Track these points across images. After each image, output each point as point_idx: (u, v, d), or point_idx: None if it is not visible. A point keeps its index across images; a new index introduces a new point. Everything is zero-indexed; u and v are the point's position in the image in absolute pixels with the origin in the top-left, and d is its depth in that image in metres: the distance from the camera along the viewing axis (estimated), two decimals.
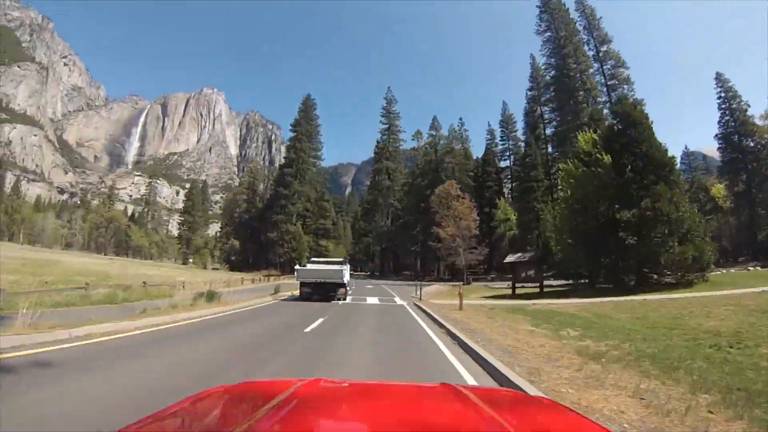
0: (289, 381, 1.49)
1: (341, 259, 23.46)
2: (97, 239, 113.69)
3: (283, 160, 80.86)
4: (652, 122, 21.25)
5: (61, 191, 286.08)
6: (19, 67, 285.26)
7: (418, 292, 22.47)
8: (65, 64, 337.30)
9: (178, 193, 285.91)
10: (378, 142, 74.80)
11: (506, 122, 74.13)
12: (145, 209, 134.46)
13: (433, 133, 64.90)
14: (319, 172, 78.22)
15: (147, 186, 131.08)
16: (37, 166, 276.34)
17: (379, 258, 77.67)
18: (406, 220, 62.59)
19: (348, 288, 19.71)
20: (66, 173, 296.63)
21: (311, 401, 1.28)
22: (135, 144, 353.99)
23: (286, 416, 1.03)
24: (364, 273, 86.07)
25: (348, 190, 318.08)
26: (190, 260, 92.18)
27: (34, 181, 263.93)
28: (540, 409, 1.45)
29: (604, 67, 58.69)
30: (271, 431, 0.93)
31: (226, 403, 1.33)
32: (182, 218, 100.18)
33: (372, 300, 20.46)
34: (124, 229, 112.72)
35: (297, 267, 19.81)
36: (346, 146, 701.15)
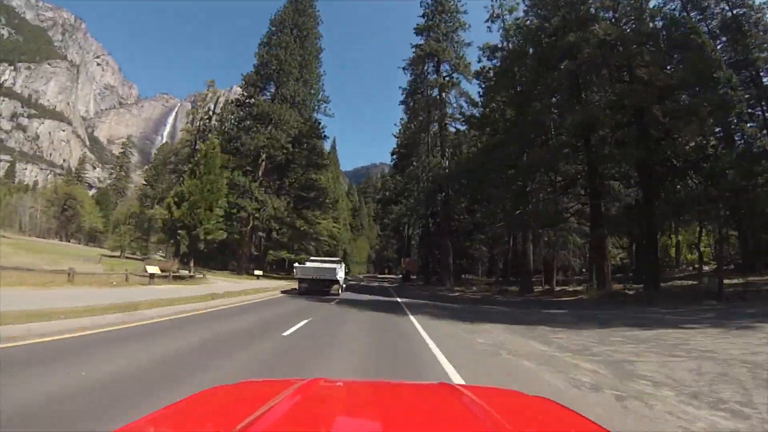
0: (288, 381, 1.44)
1: (337, 259, 24.48)
2: (51, 220, 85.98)
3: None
4: None
5: (90, 186, 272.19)
6: (49, 64, 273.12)
7: None
8: (98, 64, 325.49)
9: None
10: (417, 27, 37.03)
11: None
12: (111, 187, 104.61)
13: None
14: (315, 94, 41.20)
15: (118, 157, 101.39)
16: (64, 161, 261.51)
17: (422, 249, 39.91)
18: (495, 141, 23.13)
19: (342, 285, 20.42)
20: (94, 169, 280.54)
21: (310, 401, 1.22)
22: (164, 141, 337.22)
23: (285, 416, 0.98)
24: (393, 277, 49.71)
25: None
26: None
27: (60, 175, 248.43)
28: (539, 408, 1.37)
29: None
30: (270, 431, 0.87)
31: (225, 403, 1.26)
32: (140, 192, 67.16)
33: None
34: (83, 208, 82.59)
35: (296, 265, 21.52)
36: (379, 147, 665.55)
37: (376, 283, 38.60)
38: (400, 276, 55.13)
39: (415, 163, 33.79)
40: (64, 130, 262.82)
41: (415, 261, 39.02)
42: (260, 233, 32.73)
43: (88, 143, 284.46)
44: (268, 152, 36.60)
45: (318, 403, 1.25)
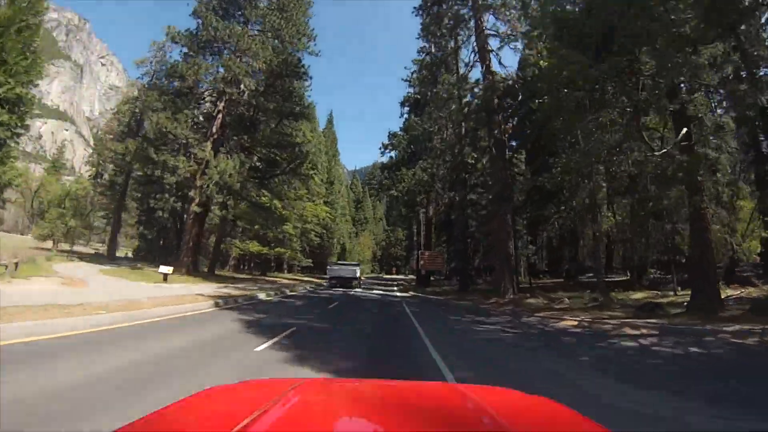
0: (288, 380, 1.41)
1: (357, 263, 31.98)
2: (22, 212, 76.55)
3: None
4: None
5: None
6: (53, 64, 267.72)
7: None
8: (103, 64, 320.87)
9: None
10: None
11: None
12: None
13: None
14: (296, 26, 29.11)
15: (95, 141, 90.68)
16: (68, 160, 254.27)
17: (451, 235, 27.12)
18: None
19: (360, 281, 28.36)
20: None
21: (310, 401, 1.19)
22: None
23: (285, 416, 0.97)
24: (402, 278, 40.19)
25: None
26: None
27: (64, 175, 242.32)
28: (539, 408, 1.31)
29: None
30: (269, 431, 0.85)
31: (224, 403, 1.21)
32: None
33: None
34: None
35: (328, 267, 30.02)
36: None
37: (379, 291, 25.06)
38: (413, 277, 42.96)
39: (433, 107, 21.11)
40: (67, 130, 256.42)
41: (440, 255, 25.99)
42: (196, 207, 20.80)
43: (92, 143, 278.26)
44: (226, 97, 24.98)
45: (318, 403, 1.20)
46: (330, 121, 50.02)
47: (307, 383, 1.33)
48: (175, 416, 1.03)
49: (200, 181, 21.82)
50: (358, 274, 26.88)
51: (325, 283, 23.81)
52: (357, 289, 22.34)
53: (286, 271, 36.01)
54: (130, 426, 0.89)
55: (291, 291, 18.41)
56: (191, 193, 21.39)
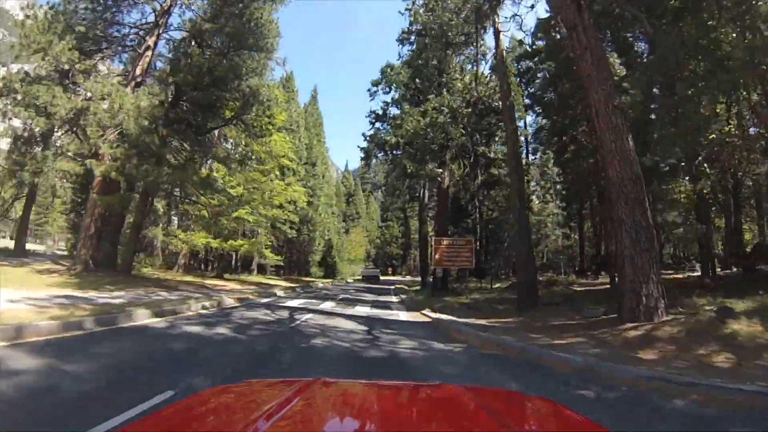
0: (289, 381, 1.39)
1: (377, 268, 48.84)
2: None
3: None
4: None
5: None
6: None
7: None
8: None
9: None
10: None
11: None
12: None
13: None
14: None
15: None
16: None
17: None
18: None
19: (379, 279, 40.32)
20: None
21: (311, 401, 1.16)
22: None
23: (285, 416, 0.94)
24: (399, 280, 38.67)
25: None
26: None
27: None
28: (539, 409, 1.31)
29: None
30: (270, 431, 0.85)
31: (225, 404, 1.19)
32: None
33: None
34: None
35: (361, 270, 47.32)
36: None
37: (364, 308, 12.63)
38: (413, 279, 36.20)
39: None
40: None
41: (468, 243, 14.93)
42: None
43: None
44: (159, 30, 17.58)
45: (318, 404, 1.17)
46: (314, 97, 42.36)
47: (309, 384, 1.25)
48: (176, 417, 0.99)
49: (94, 131, 13.92)
50: (378, 274, 42.21)
51: (281, 293, 16.17)
52: (328, 303, 13.08)
53: (255, 272, 28.10)
54: (130, 426, 0.86)
55: (156, 316, 6.63)
56: (68, 145, 13.51)
